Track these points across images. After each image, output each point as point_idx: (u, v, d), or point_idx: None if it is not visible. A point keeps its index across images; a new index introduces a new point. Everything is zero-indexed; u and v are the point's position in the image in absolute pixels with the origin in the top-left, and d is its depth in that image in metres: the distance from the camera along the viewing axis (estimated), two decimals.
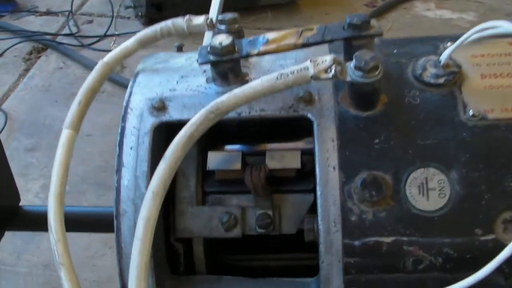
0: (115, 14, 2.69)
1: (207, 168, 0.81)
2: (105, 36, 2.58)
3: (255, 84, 0.71)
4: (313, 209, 0.77)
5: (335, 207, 0.70)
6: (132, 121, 0.78)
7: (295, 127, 0.87)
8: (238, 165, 0.79)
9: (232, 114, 0.75)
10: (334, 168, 0.71)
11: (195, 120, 0.70)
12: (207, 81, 0.79)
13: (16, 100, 2.26)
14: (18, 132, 2.11)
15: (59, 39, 2.59)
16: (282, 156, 0.79)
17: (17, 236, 1.72)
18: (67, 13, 2.73)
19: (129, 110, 0.78)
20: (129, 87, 0.82)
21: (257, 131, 0.88)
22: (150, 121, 0.77)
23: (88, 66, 2.32)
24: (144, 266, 0.67)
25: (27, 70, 2.42)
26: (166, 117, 0.77)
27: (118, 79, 2.22)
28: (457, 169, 0.69)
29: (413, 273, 0.69)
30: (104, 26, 2.63)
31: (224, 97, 0.71)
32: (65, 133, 0.79)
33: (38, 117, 2.14)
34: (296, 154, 0.79)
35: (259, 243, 0.85)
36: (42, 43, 2.53)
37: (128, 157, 0.76)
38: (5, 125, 2.11)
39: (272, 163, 0.79)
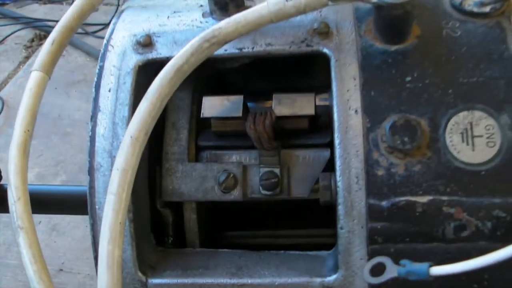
0: (120, 3, 2.60)
1: (201, 115, 0.67)
2: (110, 24, 2.47)
3: (260, 8, 0.59)
4: (329, 168, 0.64)
5: (357, 159, 0.57)
6: (112, 60, 0.65)
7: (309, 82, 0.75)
8: (239, 112, 0.66)
9: (232, 50, 0.63)
10: (356, 111, 0.58)
11: (186, 50, 0.58)
12: (204, 15, 0.67)
13: (14, 87, 2.19)
14: (15, 119, 2.01)
15: None
16: (293, 101, 0.66)
17: (8, 227, 1.63)
18: (71, 1, 2.64)
19: (109, 48, 0.66)
20: (111, 24, 0.70)
21: (263, 81, 0.76)
22: (133, 59, 0.65)
23: (91, 54, 2.25)
24: (119, 227, 0.54)
25: (27, 57, 2.35)
26: (153, 54, 0.65)
27: None
28: (509, 112, 0.58)
29: (454, 242, 0.57)
30: (109, 15, 2.54)
31: (222, 23, 0.59)
32: (35, 75, 0.67)
33: None
34: (309, 98, 0.66)
35: (263, 212, 0.72)
36: (45, 31, 2.46)
37: (105, 101, 0.64)
38: (1, 111, 2.04)
39: (280, 108, 0.65)
